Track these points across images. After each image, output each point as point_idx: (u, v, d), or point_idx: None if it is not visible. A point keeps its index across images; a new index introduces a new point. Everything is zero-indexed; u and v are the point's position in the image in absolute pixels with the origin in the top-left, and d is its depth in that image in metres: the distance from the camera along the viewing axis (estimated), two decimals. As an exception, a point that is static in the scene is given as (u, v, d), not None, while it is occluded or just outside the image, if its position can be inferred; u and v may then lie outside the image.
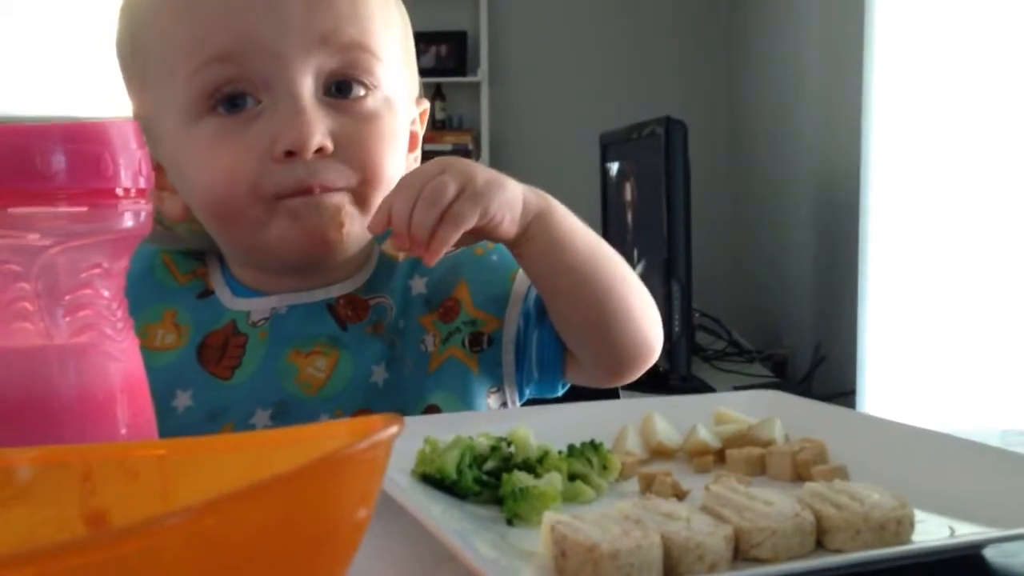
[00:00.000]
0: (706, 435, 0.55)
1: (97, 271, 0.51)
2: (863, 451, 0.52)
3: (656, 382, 2.73)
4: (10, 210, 0.48)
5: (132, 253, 0.53)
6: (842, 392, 2.52)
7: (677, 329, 2.58)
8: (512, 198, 0.62)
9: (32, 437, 0.50)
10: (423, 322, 0.72)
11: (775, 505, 0.41)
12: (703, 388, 2.72)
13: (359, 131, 0.66)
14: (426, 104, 0.75)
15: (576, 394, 0.76)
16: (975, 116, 2.00)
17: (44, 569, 0.21)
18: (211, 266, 0.74)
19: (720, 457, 0.54)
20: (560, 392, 0.76)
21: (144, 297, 0.70)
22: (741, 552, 0.39)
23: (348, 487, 0.28)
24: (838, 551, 0.40)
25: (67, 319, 0.50)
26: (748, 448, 0.53)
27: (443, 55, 4.04)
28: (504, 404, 0.73)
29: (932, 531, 0.43)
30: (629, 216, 2.98)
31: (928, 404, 2.16)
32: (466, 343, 0.71)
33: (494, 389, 0.72)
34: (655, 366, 2.59)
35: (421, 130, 0.76)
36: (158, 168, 0.68)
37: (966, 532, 0.43)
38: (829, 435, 0.54)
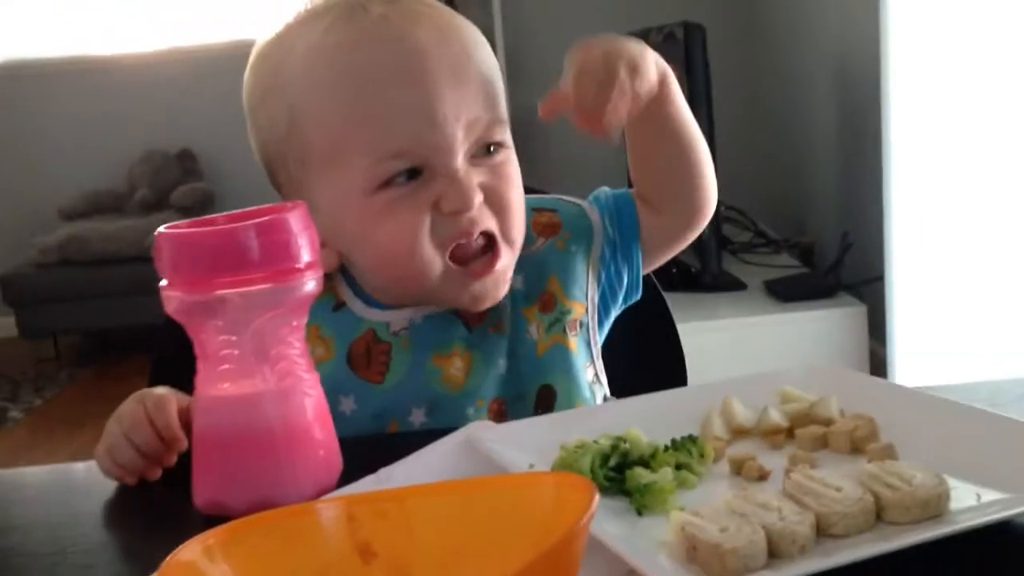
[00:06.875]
0: (776, 416, 0.68)
1: (288, 328, 0.65)
2: (906, 422, 0.66)
3: (689, 281, 2.84)
4: (222, 292, 0.61)
5: (310, 307, 0.66)
6: (871, 278, 2.61)
7: (706, 229, 2.69)
8: (650, 67, 0.76)
9: (255, 463, 0.64)
10: (526, 314, 0.86)
11: (843, 490, 0.55)
12: (735, 284, 2.82)
13: (500, 183, 0.80)
14: None
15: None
16: None
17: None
18: (336, 279, 0.86)
19: (790, 433, 0.68)
20: (637, 295, 0.91)
21: None
22: (821, 531, 0.53)
23: (579, 544, 0.41)
24: (893, 523, 0.54)
25: (273, 369, 0.64)
26: (812, 427, 0.67)
27: (454, -36, 4.04)
28: (596, 374, 0.88)
29: (962, 498, 0.56)
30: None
31: (956, 289, 2.22)
32: (566, 329, 0.86)
33: (588, 363, 0.87)
34: (688, 267, 2.68)
35: None
36: None
37: (990, 499, 0.56)
38: (877, 408, 0.67)
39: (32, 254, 3.81)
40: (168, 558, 0.42)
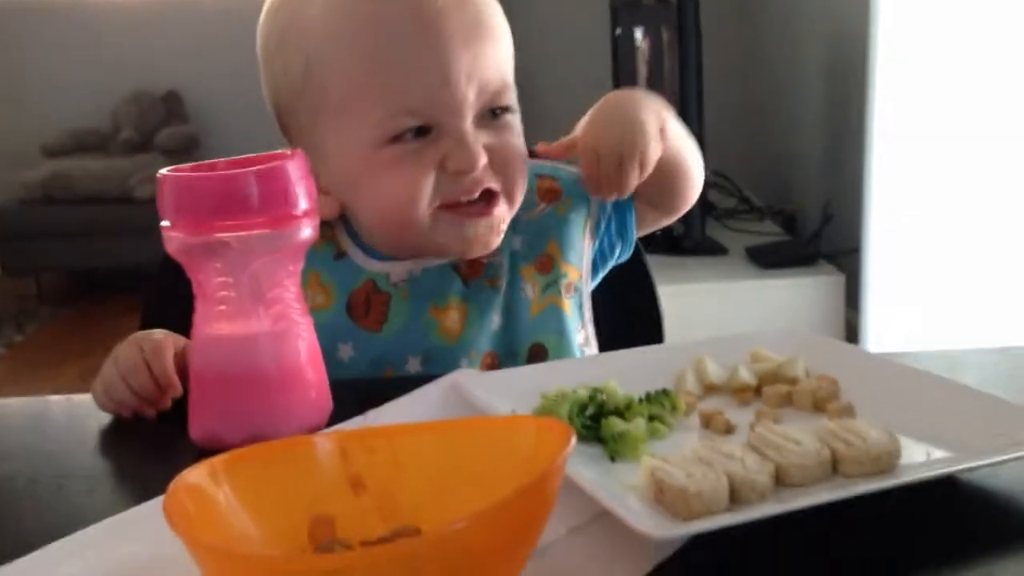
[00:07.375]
0: (746, 375, 0.72)
1: (285, 272, 0.67)
2: (866, 385, 0.69)
3: (671, 245, 2.87)
4: (222, 235, 0.64)
5: (305, 254, 0.69)
6: (849, 249, 2.66)
7: (690, 193, 2.71)
8: (656, 143, 0.84)
9: (249, 400, 0.67)
10: (523, 273, 0.89)
11: (803, 444, 0.59)
12: (717, 249, 2.86)
13: (505, 146, 0.83)
14: None
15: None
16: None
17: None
18: (338, 230, 0.88)
19: (757, 391, 0.71)
20: (628, 254, 0.96)
21: None
22: (780, 481, 0.57)
23: (556, 482, 0.45)
24: (848, 476, 0.58)
25: (269, 312, 0.67)
26: (778, 385, 0.70)
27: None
28: (587, 338, 0.91)
29: (912, 455, 0.60)
30: (641, 79, 3.07)
31: (929, 263, 2.28)
32: (561, 292, 0.89)
33: (579, 326, 0.90)
34: (671, 230, 2.72)
35: None
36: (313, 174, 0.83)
37: (938, 456, 0.60)
38: (841, 370, 0.71)
39: (15, 189, 3.80)
40: (176, 479, 0.46)
